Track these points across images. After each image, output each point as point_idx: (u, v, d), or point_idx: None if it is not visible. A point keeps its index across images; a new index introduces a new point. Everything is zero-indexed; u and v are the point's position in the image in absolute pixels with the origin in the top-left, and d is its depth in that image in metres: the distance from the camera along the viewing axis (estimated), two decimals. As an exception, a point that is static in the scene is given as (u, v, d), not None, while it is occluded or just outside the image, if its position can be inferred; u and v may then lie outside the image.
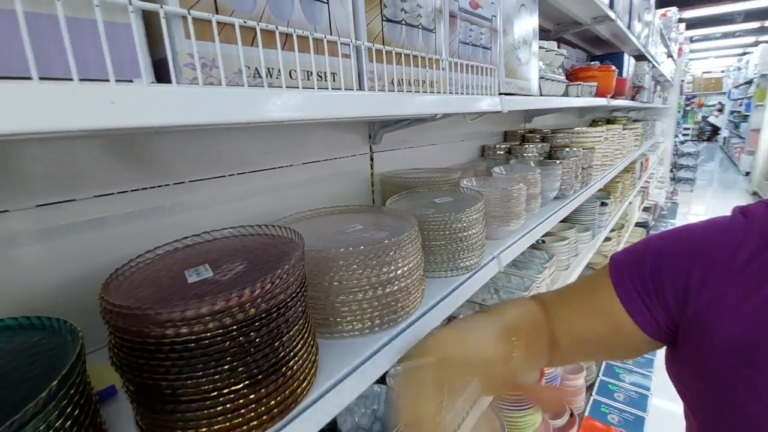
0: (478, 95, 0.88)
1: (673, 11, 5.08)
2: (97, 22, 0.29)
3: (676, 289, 0.45)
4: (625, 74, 2.31)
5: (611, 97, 2.05)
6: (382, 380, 0.90)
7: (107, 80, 0.31)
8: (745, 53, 12.00)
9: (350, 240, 0.69)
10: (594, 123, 2.99)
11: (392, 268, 0.66)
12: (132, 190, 0.67)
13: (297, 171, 0.97)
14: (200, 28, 0.36)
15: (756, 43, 10.62)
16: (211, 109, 0.35)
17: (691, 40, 10.01)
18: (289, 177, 0.96)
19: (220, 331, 0.42)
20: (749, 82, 9.09)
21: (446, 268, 0.86)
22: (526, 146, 1.73)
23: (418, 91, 0.69)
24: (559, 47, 1.74)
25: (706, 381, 0.44)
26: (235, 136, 0.82)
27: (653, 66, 3.28)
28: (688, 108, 10.79)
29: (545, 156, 1.77)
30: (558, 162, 1.50)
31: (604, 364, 2.19)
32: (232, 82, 0.39)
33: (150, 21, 0.34)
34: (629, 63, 2.45)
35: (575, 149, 1.74)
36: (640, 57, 2.90)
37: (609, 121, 3.01)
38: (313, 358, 0.55)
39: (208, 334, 0.42)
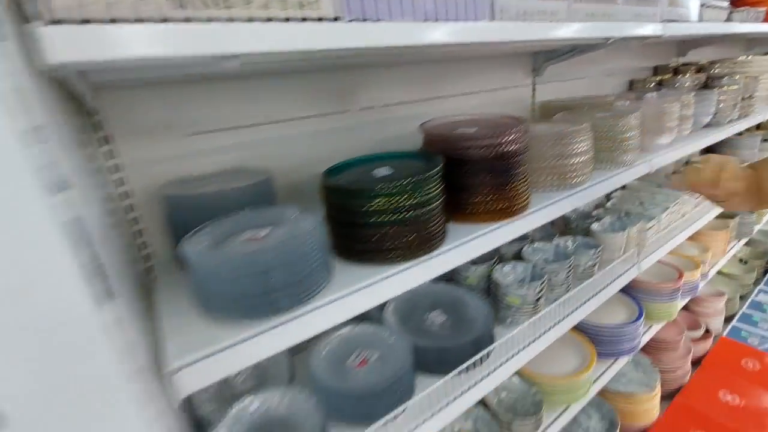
0: (643, 22, 1.11)
1: None
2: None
3: None
4: (811, -6, 2.08)
5: (788, 22, 1.91)
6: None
7: (475, 20, 0.69)
8: None
9: (546, 127, 1.03)
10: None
11: (572, 147, 0.99)
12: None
13: (477, 97, 1.32)
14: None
15: None
16: (513, 32, 0.72)
17: None
18: (471, 101, 1.31)
19: (492, 154, 0.81)
20: None
21: (609, 160, 1.14)
22: (679, 77, 1.80)
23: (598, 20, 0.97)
24: (725, -27, 1.73)
25: None
26: (443, 69, 1.20)
27: None
28: None
29: (700, 87, 1.81)
30: (715, 88, 1.58)
31: (749, 299, 2.19)
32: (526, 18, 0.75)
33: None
34: (819, -19, 2.18)
35: (736, 78, 1.75)
36: (838, -28, 2.49)
37: (787, 53, 2.68)
38: (528, 191, 0.92)
39: (488, 155, 0.81)
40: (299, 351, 0.98)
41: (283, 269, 0.57)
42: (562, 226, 1.45)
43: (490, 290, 1.08)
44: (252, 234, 0.63)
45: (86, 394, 0.33)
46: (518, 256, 1.16)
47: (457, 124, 0.94)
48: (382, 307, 1.03)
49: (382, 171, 0.77)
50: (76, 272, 0.31)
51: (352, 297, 0.64)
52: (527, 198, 0.90)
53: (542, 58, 1.43)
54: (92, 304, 0.32)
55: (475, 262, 1.12)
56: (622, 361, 1.42)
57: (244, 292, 0.56)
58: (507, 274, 1.08)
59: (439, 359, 0.88)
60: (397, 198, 0.68)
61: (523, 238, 1.26)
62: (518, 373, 1.25)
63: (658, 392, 1.48)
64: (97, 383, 0.33)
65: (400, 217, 0.69)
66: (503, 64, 1.40)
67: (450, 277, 1.17)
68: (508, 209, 0.86)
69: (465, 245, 0.78)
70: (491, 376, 0.94)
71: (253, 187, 0.75)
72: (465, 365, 0.88)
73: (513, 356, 0.98)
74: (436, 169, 0.73)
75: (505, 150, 0.82)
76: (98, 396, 0.33)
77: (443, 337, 0.95)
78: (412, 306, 1.03)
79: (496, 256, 1.14)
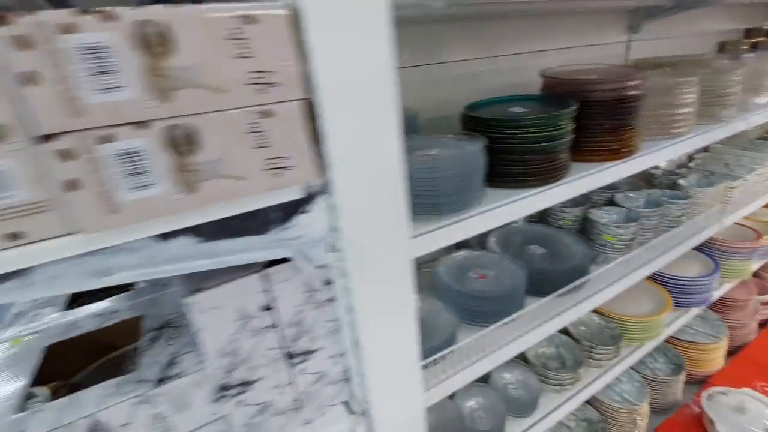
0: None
1: None
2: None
3: None
4: None
5: None
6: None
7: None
8: None
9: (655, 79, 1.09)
10: None
11: (680, 98, 1.05)
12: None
13: (569, 52, 1.37)
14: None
15: None
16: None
17: None
18: (563, 57, 1.37)
19: (615, 97, 0.89)
20: None
21: (709, 114, 1.19)
22: (777, 39, 1.75)
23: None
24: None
25: None
26: (538, 24, 1.26)
27: None
28: None
29: (798, 49, 1.76)
30: (818, 49, 1.55)
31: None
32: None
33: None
34: None
35: (840, 40, 1.68)
36: None
37: None
38: (639, 136, 1.00)
39: (610, 98, 0.89)
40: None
41: (452, 179, 0.71)
42: (646, 183, 1.51)
43: (585, 230, 1.18)
44: (423, 152, 0.76)
45: (388, 220, 0.48)
46: (608, 204, 1.25)
47: (575, 72, 1.02)
48: (480, 240, 1.16)
49: (516, 109, 0.88)
50: (397, 143, 0.45)
51: (499, 210, 0.77)
52: (638, 142, 0.99)
53: (642, 14, 1.45)
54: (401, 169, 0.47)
55: (565, 205, 1.22)
56: (693, 313, 1.50)
57: (426, 193, 0.70)
58: (602, 216, 1.18)
59: (542, 282, 1.01)
60: (539, 129, 0.79)
61: (612, 188, 1.34)
62: (597, 311, 1.37)
63: (725, 344, 1.57)
64: (395, 215, 0.48)
65: (536, 147, 0.80)
66: (598, 21, 1.43)
67: (541, 219, 1.28)
68: (621, 150, 0.95)
69: (585, 178, 0.89)
70: (585, 302, 1.06)
71: (405, 120, 0.87)
72: (567, 288, 1.01)
73: (605, 288, 1.10)
74: (571, 108, 0.83)
75: (627, 94, 0.90)
76: (394, 225, 0.49)
77: (545, 265, 1.07)
78: (511, 240, 1.16)
79: (587, 202, 1.24)
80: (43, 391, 0.47)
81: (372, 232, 0.48)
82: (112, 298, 0.64)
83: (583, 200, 1.26)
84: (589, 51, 1.44)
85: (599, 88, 0.90)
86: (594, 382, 1.25)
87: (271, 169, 0.39)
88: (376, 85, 0.43)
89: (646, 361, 1.54)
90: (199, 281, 0.46)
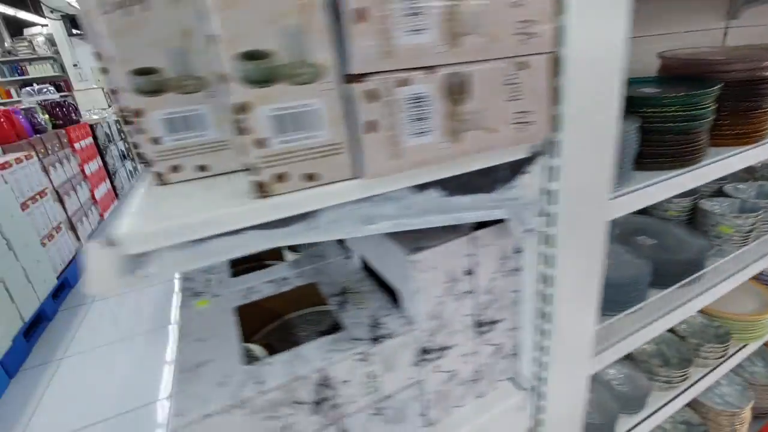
0: None
1: None
2: None
3: None
4: None
5: None
6: None
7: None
8: None
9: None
10: None
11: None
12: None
13: (657, 39, 1.32)
14: None
15: None
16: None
17: None
18: (651, 44, 1.31)
19: (748, 80, 0.85)
20: None
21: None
22: None
23: None
24: None
25: None
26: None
27: None
28: None
29: None
30: None
31: None
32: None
33: None
34: None
35: None
36: None
37: None
38: (768, 120, 0.95)
39: (743, 79, 0.85)
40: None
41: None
42: (748, 175, 1.44)
43: (693, 222, 1.13)
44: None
45: (600, 183, 0.47)
46: (716, 195, 1.19)
47: (695, 54, 0.99)
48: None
49: (647, 89, 0.86)
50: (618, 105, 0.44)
51: (644, 190, 0.75)
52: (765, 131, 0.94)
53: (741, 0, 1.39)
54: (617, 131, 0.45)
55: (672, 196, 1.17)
56: (796, 315, 1.41)
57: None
58: (713, 207, 1.13)
59: (655, 273, 0.97)
60: (684, 108, 0.76)
61: (718, 179, 1.28)
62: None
63: (831, 349, 1.46)
64: (606, 178, 0.47)
65: (679, 127, 0.78)
66: (696, 6, 1.38)
67: (642, 210, 1.24)
68: (752, 135, 0.91)
69: (720, 162, 0.85)
70: (703, 295, 1.01)
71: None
72: (689, 278, 0.96)
73: (721, 282, 1.04)
74: (716, 87, 0.80)
75: (763, 75, 0.86)
76: (604, 188, 0.47)
77: (659, 256, 1.03)
78: (615, 230, 1.12)
79: (695, 193, 1.19)
80: (257, 346, 0.48)
81: (586, 195, 0.47)
82: (274, 266, 0.66)
83: (691, 191, 1.21)
84: (684, 37, 1.38)
85: (734, 68, 0.86)
86: (699, 381, 1.19)
87: (517, 123, 0.39)
88: (613, 46, 0.42)
89: (743, 365, 1.45)
90: (412, 242, 0.46)
